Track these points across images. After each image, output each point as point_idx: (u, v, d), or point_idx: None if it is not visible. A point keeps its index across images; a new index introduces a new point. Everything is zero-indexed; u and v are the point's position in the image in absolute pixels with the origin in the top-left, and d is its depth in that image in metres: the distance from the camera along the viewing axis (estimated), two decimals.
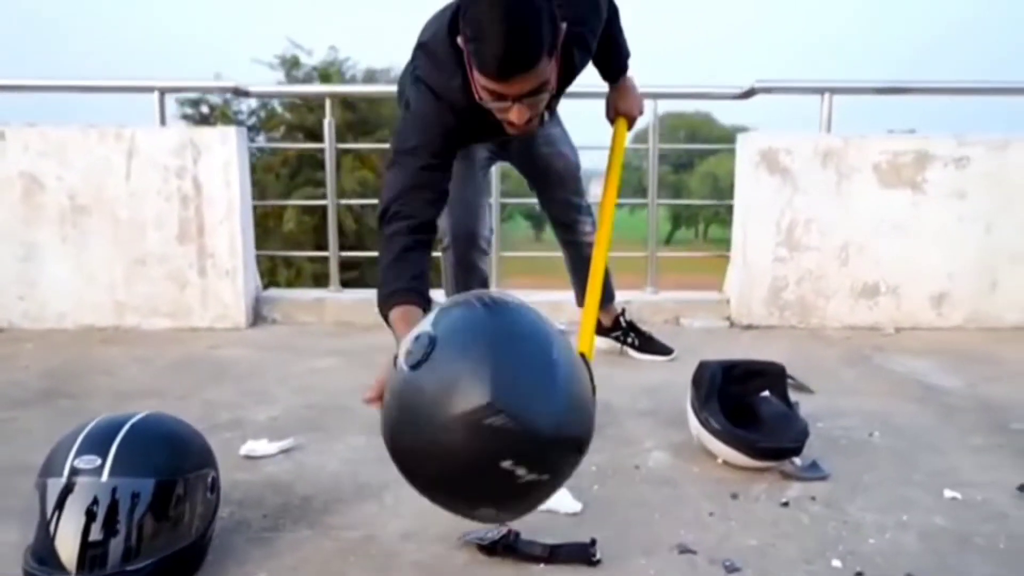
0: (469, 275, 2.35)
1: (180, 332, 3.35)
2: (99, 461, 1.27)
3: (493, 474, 1.14)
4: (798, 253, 3.38)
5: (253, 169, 13.39)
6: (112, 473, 1.26)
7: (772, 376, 1.96)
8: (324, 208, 3.70)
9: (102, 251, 3.33)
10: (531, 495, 1.24)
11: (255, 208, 3.62)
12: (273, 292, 3.71)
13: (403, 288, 1.69)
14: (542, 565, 1.43)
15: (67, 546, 1.23)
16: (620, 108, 2.33)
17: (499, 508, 1.25)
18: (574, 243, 2.70)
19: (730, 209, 3.67)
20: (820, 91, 3.42)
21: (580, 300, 2.79)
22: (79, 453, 1.28)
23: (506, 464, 1.13)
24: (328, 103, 3.60)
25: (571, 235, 2.68)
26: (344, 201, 4.41)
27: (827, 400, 2.37)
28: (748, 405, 1.91)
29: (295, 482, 1.80)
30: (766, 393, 1.93)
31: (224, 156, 3.30)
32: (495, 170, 3.32)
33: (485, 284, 2.41)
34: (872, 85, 3.57)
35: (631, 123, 2.37)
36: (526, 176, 2.57)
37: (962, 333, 3.34)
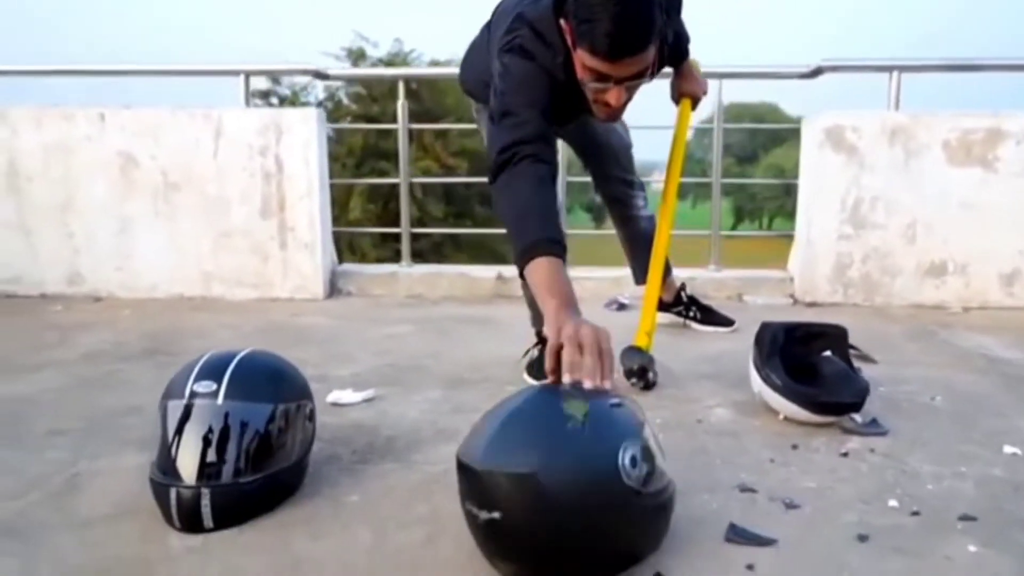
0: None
1: (262, 302, 3.55)
2: (215, 386, 1.42)
3: None
4: (864, 231, 3.39)
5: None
6: (227, 397, 1.41)
7: (834, 338, 2.01)
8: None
9: (191, 225, 3.55)
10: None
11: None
12: (348, 266, 3.89)
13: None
14: None
15: (187, 460, 1.38)
16: (684, 89, 2.41)
17: None
18: (629, 218, 2.75)
19: (795, 200, 3.70)
20: (888, 69, 3.42)
21: (638, 277, 2.88)
22: (197, 379, 1.43)
23: None
24: (401, 85, 3.75)
25: (626, 210, 2.73)
26: (417, 179, 4.55)
27: (889, 369, 2.41)
28: (810, 365, 1.97)
29: (379, 426, 1.94)
30: (828, 353, 1.99)
31: (304, 136, 3.48)
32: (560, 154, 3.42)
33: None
34: (942, 62, 3.55)
35: (695, 103, 2.44)
36: (581, 153, 2.64)
37: None
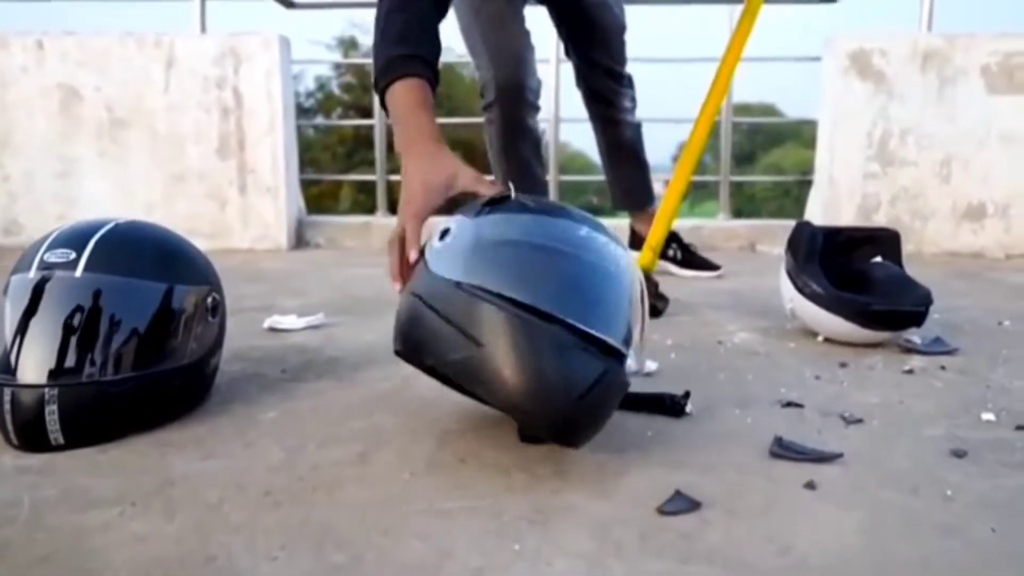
0: (519, 136, 2.06)
1: (219, 253, 3.14)
2: (73, 255, 1.04)
3: None
4: (893, 169, 3.02)
5: (309, 146, 13.39)
6: (88, 268, 1.03)
7: (885, 242, 1.64)
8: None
9: (141, 166, 3.17)
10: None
11: (311, 184, 3.42)
12: (317, 216, 3.51)
13: (408, 55, 1.15)
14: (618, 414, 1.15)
15: (32, 353, 1.00)
16: None
17: None
18: (611, 121, 2.31)
19: (796, 202, 3.33)
20: None
21: (615, 197, 2.47)
22: (51, 248, 1.06)
23: None
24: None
25: (608, 109, 2.29)
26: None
27: (942, 300, 2.02)
28: (857, 272, 1.59)
29: (323, 348, 1.56)
30: (878, 259, 1.61)
31: (266, 65, 3.11)
32: None
33: (538, 147, 2.13)
34: None
35: None
36: (566, 30, 2.21)
37: None
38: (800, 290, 1.55)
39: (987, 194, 3.01)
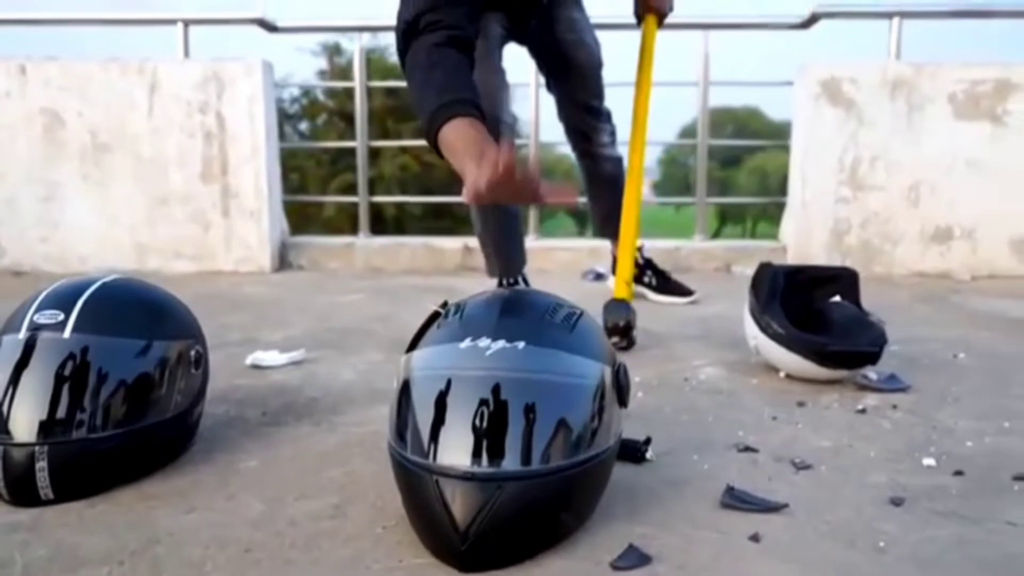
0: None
1: (203, 275, 3.21)
2: (61, 316, 1.09)
3: None
4: (863, 193, 3.11)
5: (293, 155, 13.38)
6: (76, 329, 1.08)
7: (844, 281, 1.71)
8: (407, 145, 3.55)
9: (124, 190, 3.21)
10: None
11: (292, 195, 3.47)
12: (300, 238, 3.56)
13: (460, 100, 1.33)
14: None
15: (22, 412, 1.05)
16: (651, 2, 2.08)
17: None
18: (591, 155, 2.39)
19: (780, 207, 3.41)
20: (888, 15, 3.14)
21: (596, 226, 2.56)
22: (40, 308, 1.11)
23: None
24: (358, 43, 3.44)
25: (588, 145, 2.37)
26: (376, 143, 4.24)
27: (901, 330, 2.10)
28: (816, 312, 1.67)
29: (303, 387, 1.62)
30: (837, 298, 1.69)
31: (249, 91, 3.15)
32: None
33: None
34: (947, 8, 3.27)
35: (661, 20, 2.11)
36: (543, 67, 2.30)
37: None
38: (763, 329, 1.62)
39: (954, 218, 3.10)
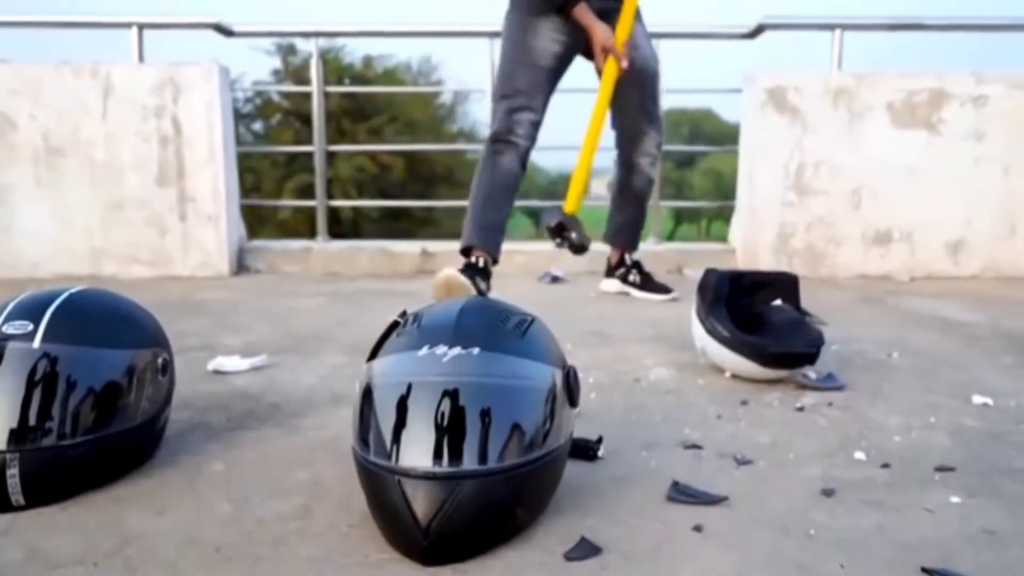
0: (500, 174, 2.39)
1: (160, 280, 3.20)
2: (31, 326, 1.12)
3: None
4: (807, 198, 3.23)
5: (247, 156, 13.17)
6: (45, 339, 1.11)
7: (784, 285, 1.81)
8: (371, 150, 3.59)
9: (78, 195, 3.19)
10: None
11: (247, 197, 3.47)
12: (258, 242, 3.57)
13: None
14: None
15: None
16: (600, 46, 2.39)
17: None
18: (631, 164, 2.63)
19: (732, 208, 3.52)
20: (831, 27, 3.27)
21: (612, 236, 2.82)
22: (8, 319, 1.13)
23: None
24: (315, 44, 3.45)
25: (632, 151, 2.60)
26: (333, 147, 4.25)
27: (841, 330, 2.22)
28: (758, 315, 1.76)
29: (265, 392, 1.65)
30: (778, 302, 1.78)
31: (206, 95, 3.16)
32: None
33: (509, 176, 2.41)
34: (885, 21, 3.42)
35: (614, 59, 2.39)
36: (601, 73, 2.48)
37: (980, 282, 3.19)
38: (709, 332, 1.70)
39: (893, 221, 3.24)
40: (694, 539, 1.00)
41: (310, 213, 12.81)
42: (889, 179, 3.21)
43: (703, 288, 1.75)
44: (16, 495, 1.07)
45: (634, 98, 2.50)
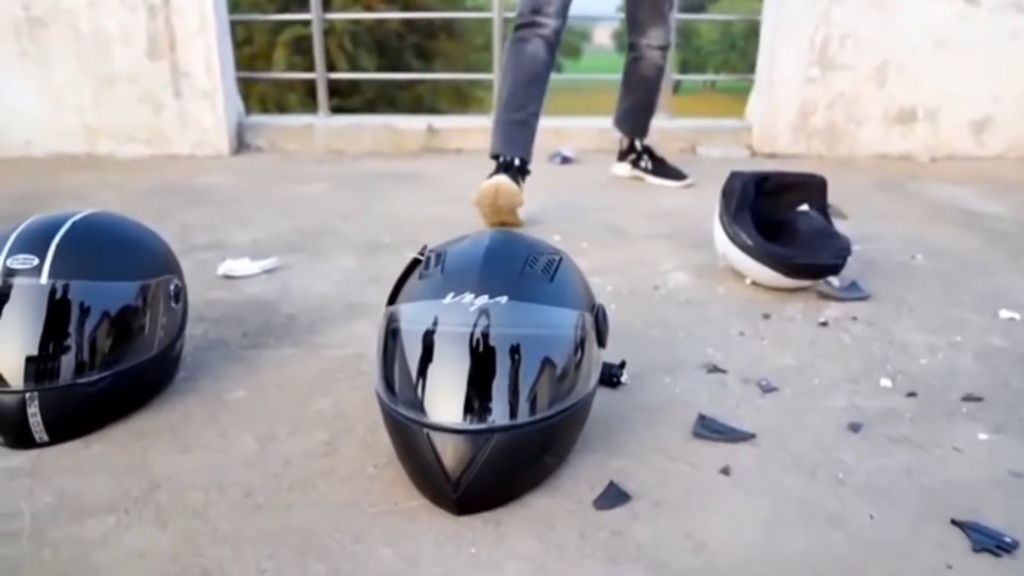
0: (527, 55, 2.14)
1: (158, 159, 3.11)
2: (36, 261, 1.07)
3: None
4: (831, 73, 3.08)
5: (237, 4, 12.52)
6: (52, 274, 1.07)
7: (811, 189, 1.74)
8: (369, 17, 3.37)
9: (66, 69, 3.03)
10: None
11: (240, 42, 3.27)
12: (257, 118, 3.44)
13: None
14: None
15: (8, 358, 1.06)
16: None
17: None
18: (639, 51, 2.53)
19: (743, 55, 3.34)
20: None
21: (619, 120, 2.72)
22: (12, 252, 1.08)
23: None
24: None
25: (641, 38, 2.50)
26: (332, 15, 4.03)
27: (861, 225, 2.16)
28: (783, 221, 1.70)
29: (279, 301, 1.63)
30: (804, 207, 1.72)
31: None
32: None
33: (537, 64, 2.16)
34: None
35: None
36: None
37: (1002, 163, 3.10)
38: (732, 239, 1.65)
39: (918, 99, 3.10)
40: (723, 484, 1.00)
41: (306, 67, 12.29)
42: (918, 54, 3.04)
43: (727, 193, 1.69)
44: (40, 432, 1.06)
45: None
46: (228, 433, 1.12)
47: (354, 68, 12.91)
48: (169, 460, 1.05)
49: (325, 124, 3.33)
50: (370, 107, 13.41)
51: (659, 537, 0.89)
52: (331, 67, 12.52)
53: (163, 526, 0.91)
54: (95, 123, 3.09)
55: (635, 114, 2.67)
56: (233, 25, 3.23)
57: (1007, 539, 0.88)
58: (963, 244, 2.04)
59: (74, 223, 1.13)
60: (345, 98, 13.40)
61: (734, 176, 1.70)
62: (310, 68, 3.50)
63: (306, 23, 3.50)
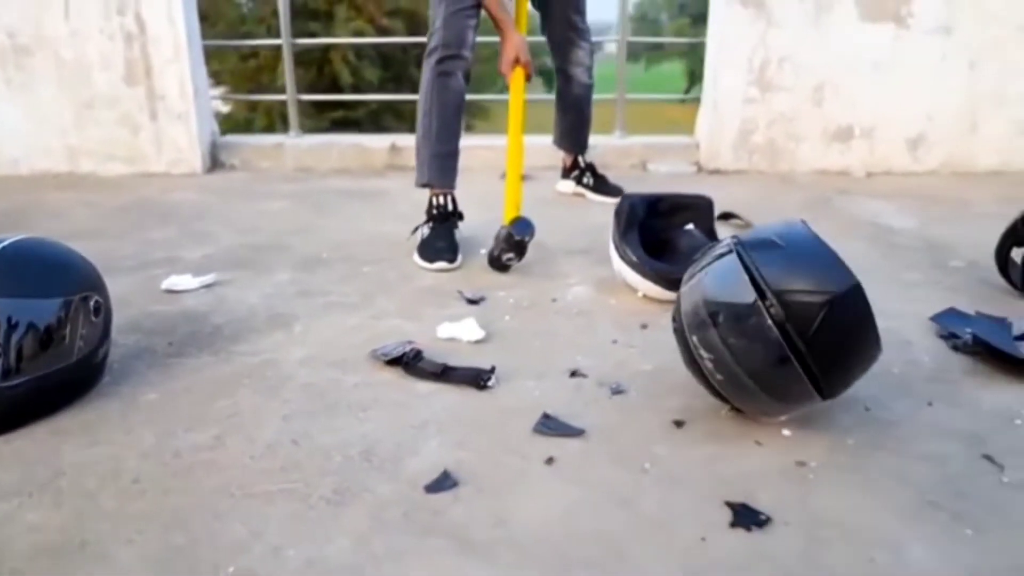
0: (446, 84, 2.21)
1: (136, 177, 3.30)
2: None
3: None
4: (770, 94, 3.24)
5: (242, 21, 12.67)
6: None
7: (699, 210, 1.91)
8: (320, 59, 3.58)
9: (49, 93, 3.24)
10: None
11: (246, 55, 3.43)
12: (231, 137, 3.63)
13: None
14: (431, 386, 1.43)
15: None
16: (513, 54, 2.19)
17: None
18: (565, 74, 2.67)
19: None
20: None
21: (559, 140, 2.89)
22: None
23: None
24: None
25: (565, 62, 2.64)
26: (300, 40, 4.23)
27: None
28: (670, 239, 1.87)
29: (211, 313, 1.80)
30: (690, 226, 1.88)
31: None
32: None
33: (461, 96, 2.26)
34: None
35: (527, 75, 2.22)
36: None
37: (935, 178, 3.24)
38: (621, 256, 1.82)
39: (855, 117, 3.25)
40: (544, 473, 1.16)
41: (310, 80, 12.54)
42: (853, 75, 3.19)
43: (618, 214, 1.85)
44: None
45: (559, 10, 2.54)
46: (134, 430, 1.29)
47: (358, 79, 13.20)
48: (77, 452, 1.22)
49: (295, 143, 3.52)
50: (374, 118, 13.68)
51: (471, 516, 1.06)
52: (334, 80, 12.73)
53: (59, 507, 1.09)
54: (77, 143, 3.29)
55: (573, 132, 2.84)
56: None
57: (762, 517, 1.04)
58: (860, 258, 2.14)
59: (4, 247, 1.31)
60: (351, 109, 13.73)
61: (624, 197, 1.87)
62: (317, 80, 3.67)
63: (311, 36, 3.67)
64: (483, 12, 2.20)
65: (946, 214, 2.64)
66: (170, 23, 3.16)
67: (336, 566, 0.97)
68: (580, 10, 2.59)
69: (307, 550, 0.99)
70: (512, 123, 2.18)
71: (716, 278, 1.21)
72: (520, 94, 2.19)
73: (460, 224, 2.25)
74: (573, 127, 2.82)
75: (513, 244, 2.01)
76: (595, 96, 2.81)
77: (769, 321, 1.13)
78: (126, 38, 3.18)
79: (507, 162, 2.20)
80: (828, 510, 1.06)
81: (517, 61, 2.15)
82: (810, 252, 1.20)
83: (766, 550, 0.99)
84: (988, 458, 1.19)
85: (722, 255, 1.22)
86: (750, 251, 1.19)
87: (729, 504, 1.07)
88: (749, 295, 1.14)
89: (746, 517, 1.04)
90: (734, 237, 1.26)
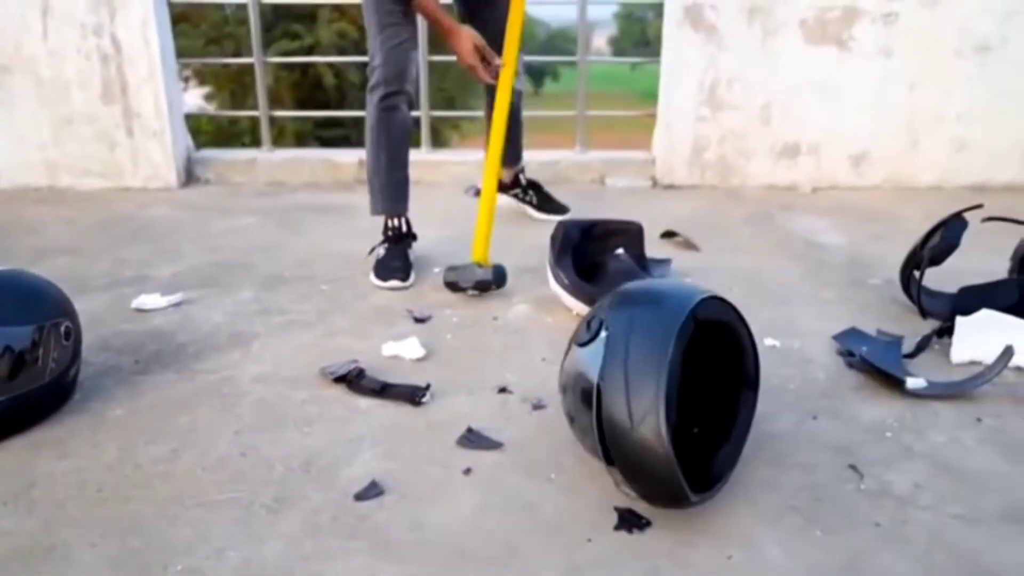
0: (392, 116, 2.31)
1: (113, 191, 3.43)
2: None
3: None
4: (721, 113, 3.40)
5: (225, 21, 12.65)
6: None
7: (629, 235, 2.07)
8: (305, 63, 3.66)
9: (29, 110, 3.36)
10: None
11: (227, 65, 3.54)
12: (205, 152, 3.76)
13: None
14: (371, 401, 1.58)
15: None
16: None
17: None
18: (493, 96, 2.61)
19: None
20: None
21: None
22: None
23: None
24: None
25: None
26: (273, 59, 4.34)
27: (708, 258, 2.49)
28: (601, 263, 2.03)
29: (177, 332, 1.95)
30: (620, 251, 2.04)
31: (141, 13, 3.26)
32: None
33: (406, 125, 2.37)
34: None
35: None
36: (468, 13, 2.50)
37: (878, 192, 3.41)
38: (555, 278, 1.98)
39: (801, 135, 3.42)
40: (462, 482, 1.32)
41: (294, 80, 12.63)
42: (799, 95, 3.36)
43: (553, 238, 2.01)
44: None
45: (490, 24, 2.43)
46: (100, 444, 1.44)
47: (342, 86, 13.32)
48: (49, 465, 1.37)
49: (267, 158, 3.66)
50: (356, 121, 13.80)
51: (392, 521, 1.22)
52: (318, 82, 12.77)
53: (31, 514, 1.24)
54: (56, 158, 3.42)
55: (508, 144, 2.68)
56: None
57: (643, 520, 1.20)
58: (785, 276, 2.35)
59: None
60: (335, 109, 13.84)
61: (559, 224, 2.03)
62: (301, 81, 3.78)
63: (295, 37, 3.78)
64: (418, 27, 2.29)
65: (877, 231, 2.81)
66: (145, 44, 3.29)
67: (270, 565, 1.13)
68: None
69: (246, 551, 1.15)
70: (494, 138, 2.29)
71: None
72: (506, 95, 2.27)
73: (414, 244, 2.40)
74: (507, 139, 2.70)
75: (481, 287, 2.14)
76: (556, 113, 2.92)
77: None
78: (102, 58, 3.31)
79: (483, 186, 2.28)
80: (702, 515, 1.22)
81: (477, 48, 2.23)
82: None
83: (640, 549, 1.15)
84: (853, 467, 1.36)
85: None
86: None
87: (617, 509, 1.23)
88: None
89: (629, 521, 1.20)
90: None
